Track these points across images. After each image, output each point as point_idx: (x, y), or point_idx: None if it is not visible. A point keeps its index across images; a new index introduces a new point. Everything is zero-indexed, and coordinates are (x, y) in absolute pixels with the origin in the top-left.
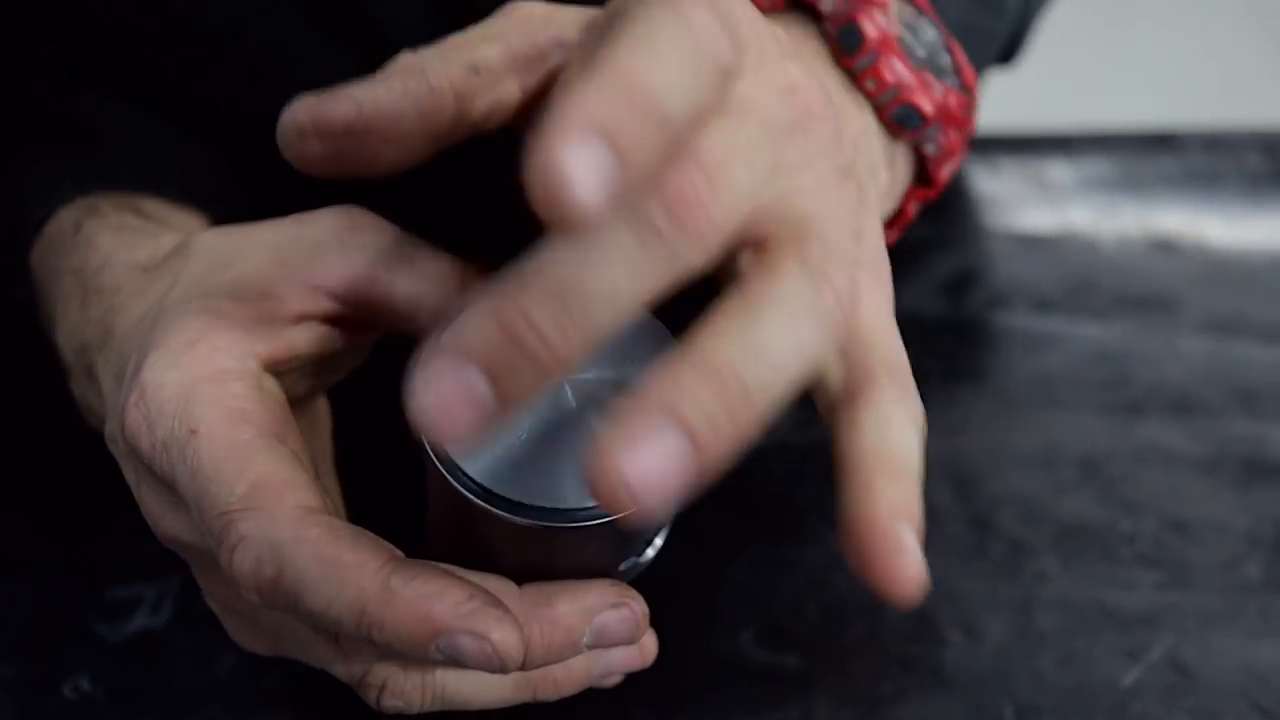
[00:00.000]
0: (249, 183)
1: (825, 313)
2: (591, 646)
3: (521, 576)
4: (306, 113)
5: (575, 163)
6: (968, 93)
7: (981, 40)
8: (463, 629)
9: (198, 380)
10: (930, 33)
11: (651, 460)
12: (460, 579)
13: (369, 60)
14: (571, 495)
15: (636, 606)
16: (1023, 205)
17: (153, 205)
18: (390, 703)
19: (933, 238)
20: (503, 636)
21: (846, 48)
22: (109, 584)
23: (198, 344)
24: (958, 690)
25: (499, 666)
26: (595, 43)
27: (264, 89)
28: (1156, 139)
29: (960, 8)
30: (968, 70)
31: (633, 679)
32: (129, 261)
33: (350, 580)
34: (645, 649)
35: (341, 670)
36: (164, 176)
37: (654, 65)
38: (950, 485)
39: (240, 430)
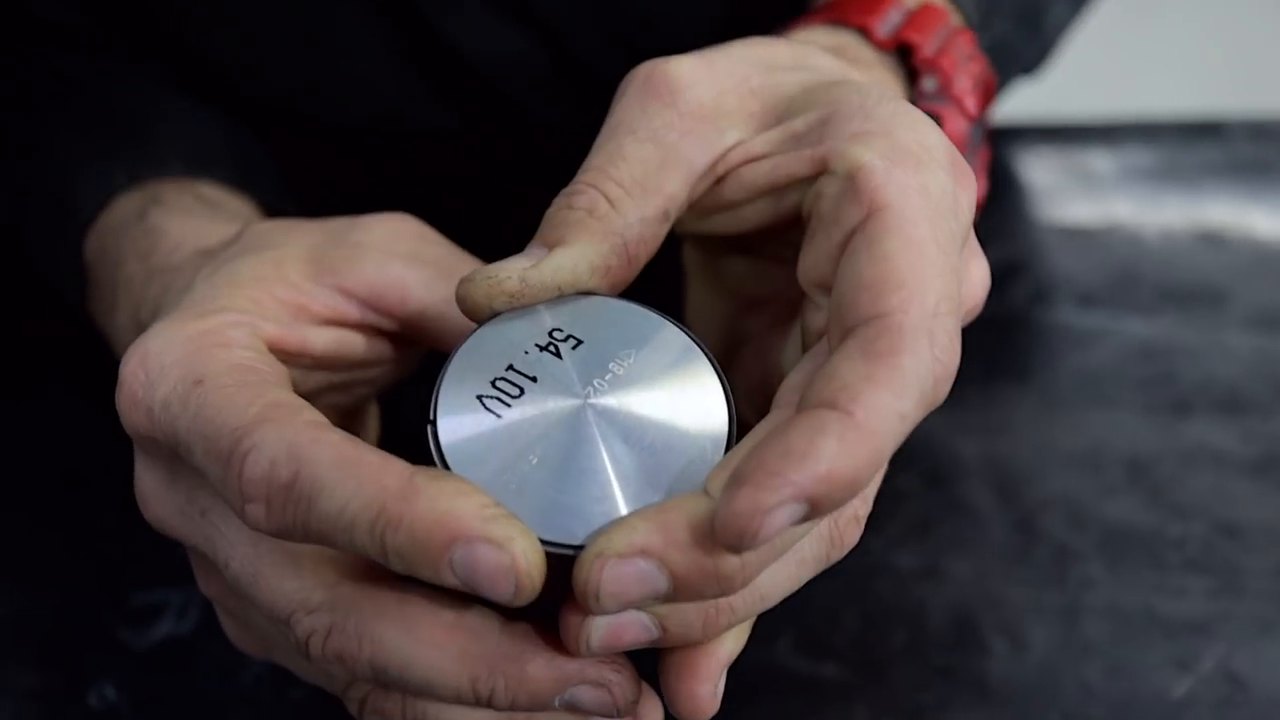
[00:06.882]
0: (290, 173)
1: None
2: (567, 708)
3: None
4: (517, 283)
5: (773, 520)
6: None
7: (1010, 60)
8: (483, 535)
9: (202, 346)
10: (978, 132)
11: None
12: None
13: (416, 48)
14: (580, 527)
15: (618, 691)
16: (1064, 196)
17: (210, 190)
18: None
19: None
20: (526, 548)
21: None
22: (134, 590)
23: (207, 316)
24: (1002, 701)
25: (514, 592)
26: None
27: (312, 79)
28: (1201, 127)
29: (1004, 28)
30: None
31: None
32: (198, 249)
33: (371, 478)
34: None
35: (324, 680)
36: (215, 161)
37: (895, 431)
38: (992, 487)
39: (248, 375)
